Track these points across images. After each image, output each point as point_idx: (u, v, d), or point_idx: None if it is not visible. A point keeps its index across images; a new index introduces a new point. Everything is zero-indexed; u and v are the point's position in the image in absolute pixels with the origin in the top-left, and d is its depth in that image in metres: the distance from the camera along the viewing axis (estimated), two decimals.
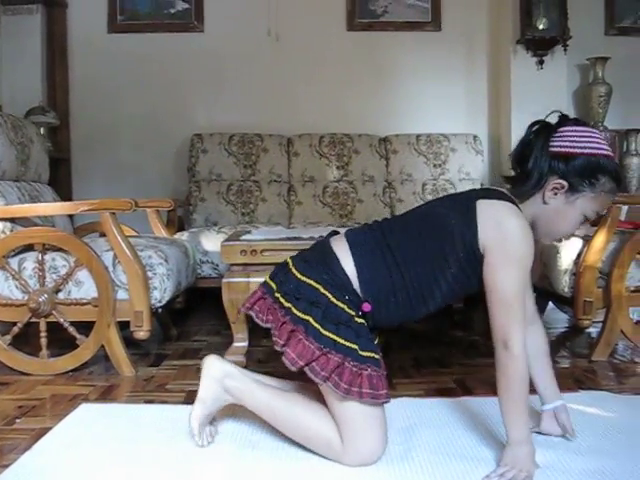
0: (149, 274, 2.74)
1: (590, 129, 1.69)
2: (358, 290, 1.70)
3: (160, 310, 2.94)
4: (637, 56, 5.16)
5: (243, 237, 2.89)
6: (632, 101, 5.11)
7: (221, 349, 2.93)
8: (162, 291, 2.78)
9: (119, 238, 2.68)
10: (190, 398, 2.36)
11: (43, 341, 2.72)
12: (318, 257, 1.76)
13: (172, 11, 5.03)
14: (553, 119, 1.73)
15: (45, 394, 2.45)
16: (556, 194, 1.68)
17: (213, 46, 5.00)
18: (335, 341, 1.65)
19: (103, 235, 3.00)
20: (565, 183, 1.65)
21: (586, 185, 1.65)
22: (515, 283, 1.63)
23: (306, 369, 1.65)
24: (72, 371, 2.72)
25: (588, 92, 4.99)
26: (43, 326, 2.72)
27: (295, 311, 1.68)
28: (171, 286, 2.83)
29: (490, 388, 2.44)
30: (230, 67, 5.03)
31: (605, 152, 1.66)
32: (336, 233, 1.87)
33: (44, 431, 2.01)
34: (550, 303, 3.74)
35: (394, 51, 5.07)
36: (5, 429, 2.07)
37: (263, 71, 5.02)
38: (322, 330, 1.65)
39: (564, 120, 1.71)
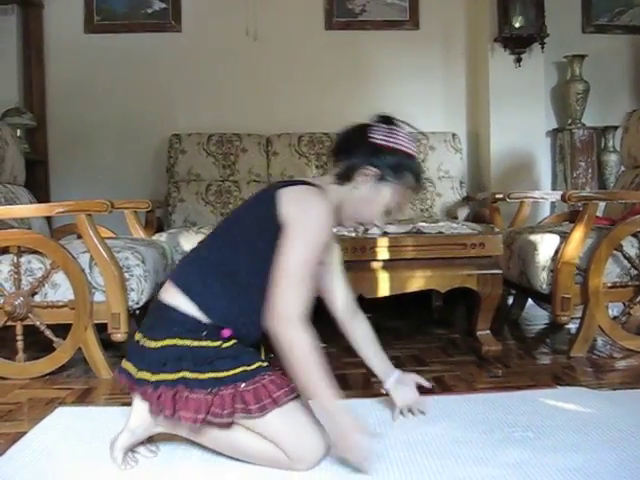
0: (126, 276, 2.72)
1: (403, 130, 1.83)
2: (211, 321, 1.69)
3: (138, 312, 2.91)
4: (614, 53, 5.19)
5: None
6: (609, 98, 5.14)
7: None
8: (139, 293, 2.76)
9: (95, 240, 2.66)
10: None
11: (19, 344, 2.70)
12: (159, 316, 1.76)
13: (149, 11, 4.99)
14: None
15: (22, 398, 2.43)
16: (365, 180, 1.78)
17: (191, 46, 4.97)
18: (217, 378, 1.63)
19: (81, 237, 2.98)
20: (376, 171, 1.77)
21: (393, 177, 1.78)
22: (301, 255, 1.66)
23: (209, 418, 1.61)
24: (49, 374, 2.70)
25: (566, 89, 5.01)
26: (19, 329, 2.70)
27: (166, 376, 1.65)
28: (148, 287, 2.81)
29: (469, 386, 2.46)
30: (208, 67, 5.00)
31: (413, 152, 1.83)
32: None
33: (20, 435, 1.99)
34: (529, 300, 3.76)
35: (372, 50, 5.06)
36: None
37: (241, 71, 4.99)
38: (200, 376, 1.63)
39: (381, 118, 1.83)
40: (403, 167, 1.79)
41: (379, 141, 1.77)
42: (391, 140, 1.78)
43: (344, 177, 1.81)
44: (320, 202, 1.72)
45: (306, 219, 1.69)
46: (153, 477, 1.69)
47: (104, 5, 4.93)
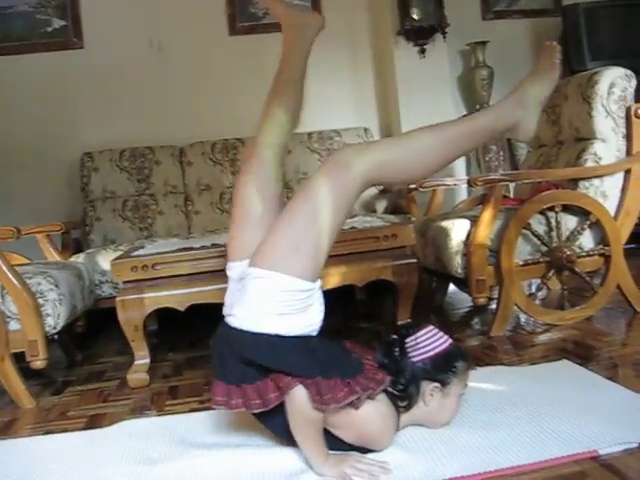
0: (40, 301, 2.66)
1: (430, 328, 1.86)
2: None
3: (57, 337, 2.86)
4: (514, 38, 5.33)
5: (135, 253, 2.84)
6: (514, 82, 5.08)
7: (126, 369, 2.88)
8: (56, 317, 2.70)
9: (4, 268, 2.59)
10: (92, 423, 2.32)
11: None
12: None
13: (49, 29, 4.89)
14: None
15: None
16: (433, 395, 1.81)
17: (95, 62, 4.88)
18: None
19: None
20: (438, 385, 1.80)
21: (451, 375, 1.81)
22: None
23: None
24: None
25: (471, 76, 5.13)
26: None
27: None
28: (65, 311, 2.76)
29: None
30: (115, 82, 4.92)
31: (450, 341, 1.86)
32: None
33: None
34: (451, 285, 3.83)
35: (278, 52, 5.01)
36: None
37: (148, 83, 4.94)
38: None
39: (409, 330, 1.87)
40: (452, 361, 1.82)
41: (425, 355, 1.79)
42: (431, 346, 1.81)
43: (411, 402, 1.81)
44: None
45: None
46: None
47: (1, 27, 4.80)
